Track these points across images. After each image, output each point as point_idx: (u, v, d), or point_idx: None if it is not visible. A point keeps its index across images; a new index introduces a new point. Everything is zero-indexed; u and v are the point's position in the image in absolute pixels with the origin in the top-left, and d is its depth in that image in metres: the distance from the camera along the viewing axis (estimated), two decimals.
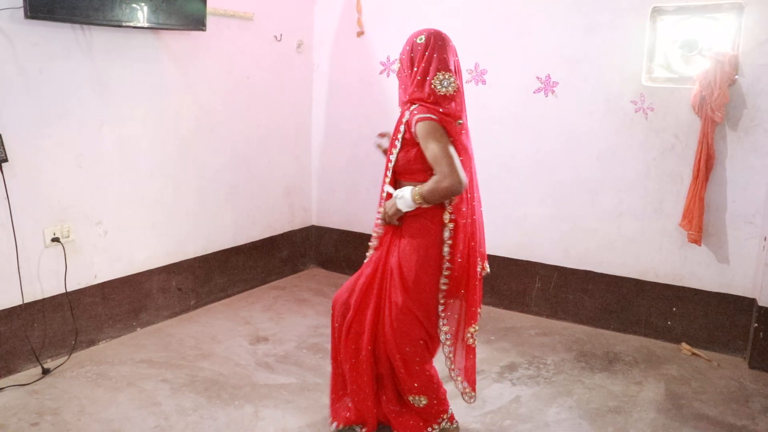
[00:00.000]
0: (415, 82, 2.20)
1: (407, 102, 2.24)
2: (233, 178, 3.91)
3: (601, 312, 3.64)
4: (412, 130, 2.16)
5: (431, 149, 2.10)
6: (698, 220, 3.20)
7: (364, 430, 2.45)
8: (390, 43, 4.04)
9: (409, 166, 2.23)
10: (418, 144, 2.17)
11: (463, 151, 2.23)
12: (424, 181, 2.17)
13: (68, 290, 3.04)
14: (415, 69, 2.20)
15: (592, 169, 3.56)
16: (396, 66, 2.54)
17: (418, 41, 2.21)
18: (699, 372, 3.13)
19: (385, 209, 2.27)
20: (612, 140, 3.48)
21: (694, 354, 3.31)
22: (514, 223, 3.82)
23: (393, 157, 2.25)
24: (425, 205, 2.17)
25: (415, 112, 2.16)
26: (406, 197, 2.18)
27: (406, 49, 2.25)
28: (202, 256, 3.76)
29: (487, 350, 3.30)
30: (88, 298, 3.16)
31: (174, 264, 3.59)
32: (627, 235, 3.52)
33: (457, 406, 2.72)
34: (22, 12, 2.63)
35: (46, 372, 2.88)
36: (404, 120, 2.22)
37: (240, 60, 3.83)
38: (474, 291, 2.34)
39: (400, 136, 2.22)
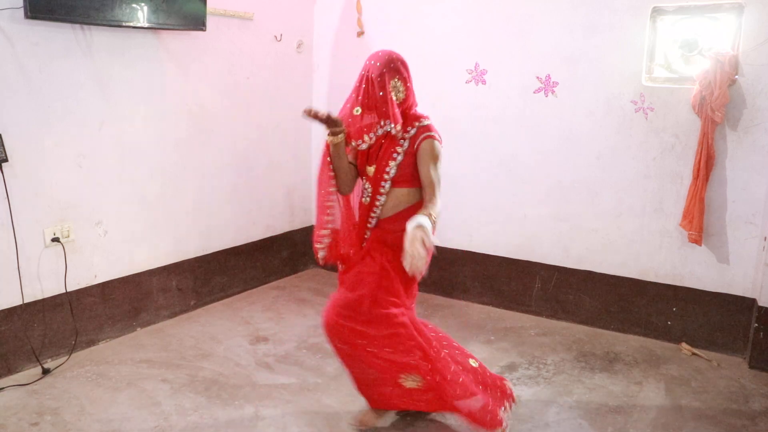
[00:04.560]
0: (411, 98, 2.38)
1: (398, 115, 2.32)
2: (233, 178, 3.91)
3: (601, 312, 3.64)
4: (418, 141, 2.32)
5: (435, 172, 2.29)
6: (698, 220, 3.20)
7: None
8: (390, 43, 4.02)
9: (413, 173, 2.34)
10: (414, 154, 2.32)
11: None
12: (412, 187, 2.35)
13: (68, 290, 3.04)
14: (409, 85, 2.36)
15: (592, 169, 3.56)
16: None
17: (404, 67, 2.34)
18: (699, 372, 3.13)
19: (425, 236, 2.04)
20: (612, 140, 3.48)
21: (694, 354, 3.31)
22: (514, 223, 3.82)
23: (392, 169, 2.33)
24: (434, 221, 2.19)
25: (425, 125, 2.33)
26: (428, 224, 2.11)
27: (408, 77, 2.35)
28: (202, 256, 3.76)
29: (487, 350, 3.30)
30: (88, 298, 3.16)
31: (174, 264, 3.59)
32: (627, 235, 3.52)
33: None
34: (22, 12, 2.63)
35: (46, 372, 2.88)
36: (408, 135, 2.33)
37: (240, 60, 3.83)
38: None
39: (401, 149, 2.33)
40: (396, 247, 2.27)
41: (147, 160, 3.36)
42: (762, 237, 3.18)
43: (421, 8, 3.94)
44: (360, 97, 2.30)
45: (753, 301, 3.23)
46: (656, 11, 3.31)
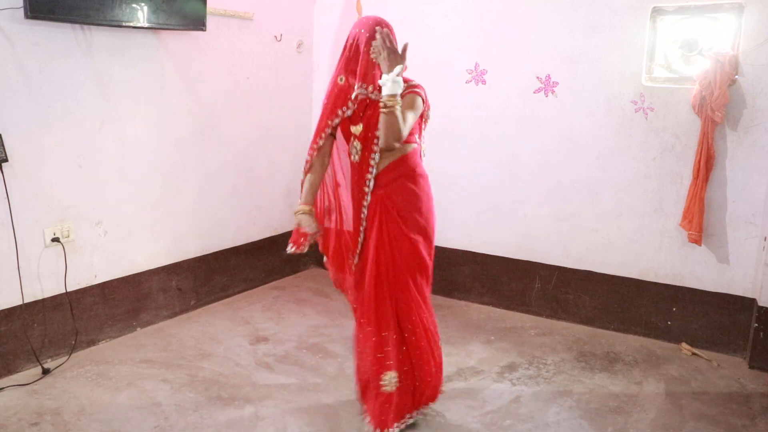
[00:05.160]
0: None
1: (376, 76, 2.33)
2: (233, 178, 3.91)
3: (601, 312, 3.64)
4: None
5: (407, 117, 2.28)
6: (698, 220, 3.20)
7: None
8: None
9: None
10: None
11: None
12: (410, 140, 2.39)
13: (68, 290, 3.04)
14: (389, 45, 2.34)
15: (592, 169, 3.56)
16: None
17: (386, 29, 2.32)
18: (699, 372, 3.13)
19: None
20: (612, 140, 3.48)
21: (694, 354, 3.31)
22: (514, 223, 3.82)
23: None
24: (389, 104, 2.20)
25: (413, 85, 2.37)
26: (398, 84, 2.20)
27: (390, 37, 2.32)
28: (202, 256, 3.76)
29: (487, 350, 3.30)
30: (88, 298, 3.16)
31: (174, 264, 3.59)
32: (627, 235, 3.52)
33: (457, 405, 2.73)
34: (22, 12, 2.63)
35: (46, 372, 2.88)
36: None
37: (240, 60, 3.83)
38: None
39: None
40: (397, 204, 2.39)
41: (147, 160, 3.36)
42: (762, 237, 3.18)
43: (421, 8, 3.94)
44: (344, 64, 2.37)
45: (753, 301, 3.23)
46: (656, 11, 3.31)
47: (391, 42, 2.23)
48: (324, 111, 2.44)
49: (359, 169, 2.44)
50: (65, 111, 2.95)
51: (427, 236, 2.48)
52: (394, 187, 2.40)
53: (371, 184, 2.41)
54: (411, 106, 2.32)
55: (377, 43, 2.24)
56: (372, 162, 2.39)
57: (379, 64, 2.29)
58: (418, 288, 2.46)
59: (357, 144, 2.42)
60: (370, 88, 2.32)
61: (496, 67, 3.75)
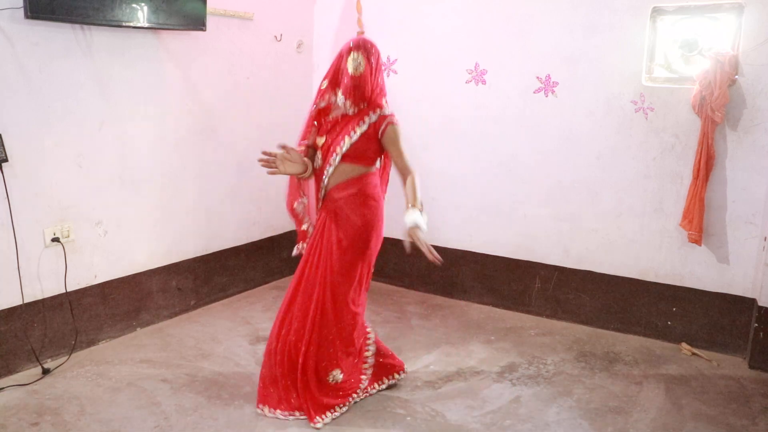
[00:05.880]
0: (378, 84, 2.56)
1: (362, 102, 2.51)
2: (233, 178, 3.91)
3: (601, 312, 3.64)
4: (381, 128, 2.51)
5: (404, 153, 2.52)
6: (698, 220, 3.20)
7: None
8: (390, 43, 4.04)
9: (363, 153, 2.53)
10: (377, 138, 2.52)
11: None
12: (368, 164, 2.57)
13: (68, 290, 3.04)
14: (372, 61, 2.51)
15: (592, 169, 3.56)
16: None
17: (372, 49, 2.52)
18: (699, 372, 3.13)
19: (418, 237, 2.35)
20: (612, 140, 3.48)
21: (694, 354, 3.31)
22: (514, 223, 3.82)
23: (345, 145, 2.51)
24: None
25: (386, 114, 2.53)
26: (419, 217, 2.36)
27: (372, 57, 2.51)
28: (202, 256, 3.76)
29: (487, 350, 3.31)
30: (88, 298, 3.16)
31: (174, 264, 3.59)
32: (627, 235, 3.52)
33: (457, 405, 2.73)
34: (22, 12, 2.63)
35: (46, 372, 2.88)
36: (371, 120, 2.51)
37: (240, 60, 3.83)
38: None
39: (359, 130, 2.50)
40: (344, 218, 2.57)
41: (147, 160, 3.36)
42: (762, 237, 3.18)
43: (421, 8, 3.94)
44: (328, 70, 2.58)
45: (753, 301, 3.23)
46: (656, 11, 3.31)
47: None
48: (309, 114, 2.69)
49: (317, 176, 2.64)
50: (65, 111, 2.95)
51: (353, 261, 2.63)
52: (341, 205, 2.56)
53: (322, 194, 2.63)
54: (400, 137, 2.53)
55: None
56: (325, 174, 2.58)
57: (347, 71, 2.47)
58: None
59: (318, 153, 2.61)
60: (342, 99, 2.50)
61: (496, 67, 3.75)
